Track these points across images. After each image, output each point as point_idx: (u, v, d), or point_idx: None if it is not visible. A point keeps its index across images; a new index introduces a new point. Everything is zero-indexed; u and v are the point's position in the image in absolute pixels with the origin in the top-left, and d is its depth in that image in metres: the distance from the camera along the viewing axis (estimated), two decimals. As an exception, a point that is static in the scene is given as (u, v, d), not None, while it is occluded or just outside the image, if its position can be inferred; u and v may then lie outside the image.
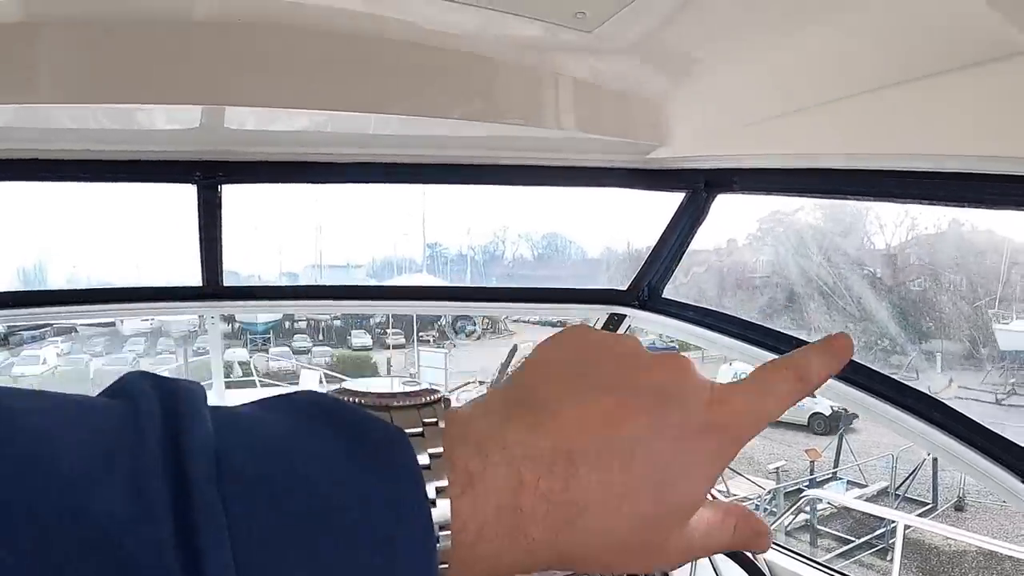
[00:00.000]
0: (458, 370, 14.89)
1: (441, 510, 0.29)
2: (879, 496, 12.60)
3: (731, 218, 1.99)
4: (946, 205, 1.30)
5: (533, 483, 0.30)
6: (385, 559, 0.28)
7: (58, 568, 0.23)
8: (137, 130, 1.64)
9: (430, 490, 0.29)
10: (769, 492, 12.01)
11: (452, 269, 16.51)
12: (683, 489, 0.34)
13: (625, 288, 2.05)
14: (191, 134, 1.66)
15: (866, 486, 12.83)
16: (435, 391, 0.34)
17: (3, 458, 0.24)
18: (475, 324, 18.00)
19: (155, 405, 0.28)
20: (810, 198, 1.79)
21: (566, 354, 0.36)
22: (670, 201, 1.90)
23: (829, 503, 11.80)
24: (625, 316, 2.05)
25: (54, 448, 0.25)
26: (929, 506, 12.23)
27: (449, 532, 0.29)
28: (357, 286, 2.20)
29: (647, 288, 1.99)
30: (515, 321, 17.99)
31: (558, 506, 0.30)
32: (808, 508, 11.35)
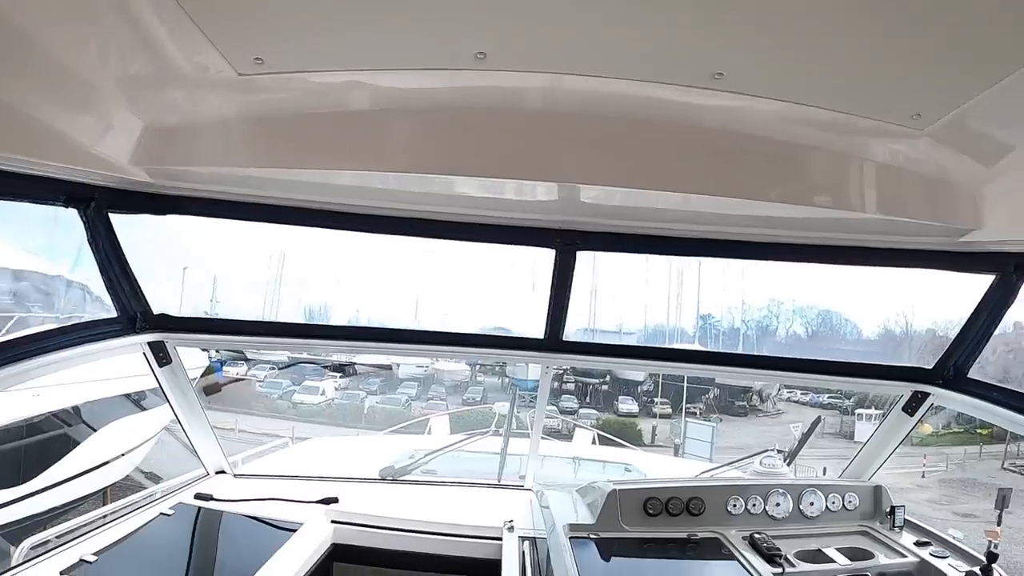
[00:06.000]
0: (724, 445, 14.62)
1: None
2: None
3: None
4: None
5: None
6: None
7: None
8: (507, 199, 1.95)
9: None
10: None
11: (724, 342, 16.24)
12: None
13: (931, 367, 2.09)
14: (553, 205, 1.96)
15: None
16: None
17: None
18: (744, 401, 17.71)
19: None
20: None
21: None
22: (964, 281, 1.95)
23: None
24: (929, 394, 2.10)
25: None
26: None
27: None
28: (668, 349, 2.47)
29: (953, 368, 2.03)
30: (784, 401, 17.70)
31: None
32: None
